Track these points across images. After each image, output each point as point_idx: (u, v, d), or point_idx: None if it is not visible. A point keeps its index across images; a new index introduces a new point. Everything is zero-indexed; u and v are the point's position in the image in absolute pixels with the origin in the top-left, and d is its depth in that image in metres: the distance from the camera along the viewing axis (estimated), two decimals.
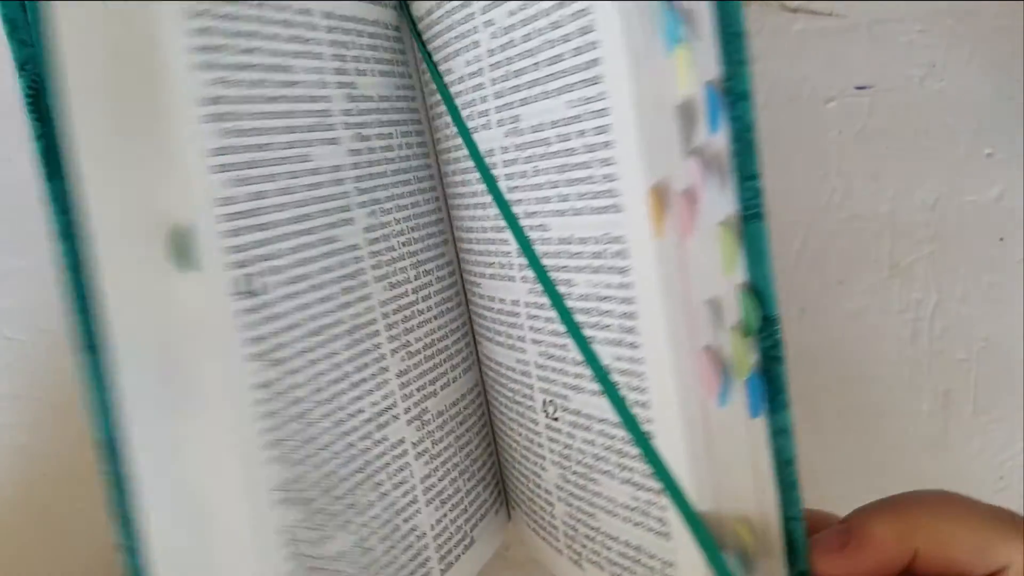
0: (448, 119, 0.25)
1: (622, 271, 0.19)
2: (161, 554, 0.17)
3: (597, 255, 0.20)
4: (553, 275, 0.21)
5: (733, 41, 0.16)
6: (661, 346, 0.19)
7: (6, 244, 0.35)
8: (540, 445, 0.24)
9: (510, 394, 0.26)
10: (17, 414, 0.30)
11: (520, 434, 0.26)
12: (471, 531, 0.26)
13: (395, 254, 0.24)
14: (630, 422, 0.20)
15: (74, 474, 0.30)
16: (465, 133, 0.24)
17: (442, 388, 0.26)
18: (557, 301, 0.21)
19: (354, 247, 0.23)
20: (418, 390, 0.25)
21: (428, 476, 0.25)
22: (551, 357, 0.23)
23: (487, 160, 0.23)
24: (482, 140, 0.23)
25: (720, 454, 0.18)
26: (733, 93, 0.16)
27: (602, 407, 0.21)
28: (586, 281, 0.20)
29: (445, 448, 0.26)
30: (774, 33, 0.38)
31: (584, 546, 0.23)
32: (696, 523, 0.18)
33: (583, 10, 0.19)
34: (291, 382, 0.20)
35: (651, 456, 0.19)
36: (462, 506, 0.26)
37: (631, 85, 0.18)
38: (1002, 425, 0.35)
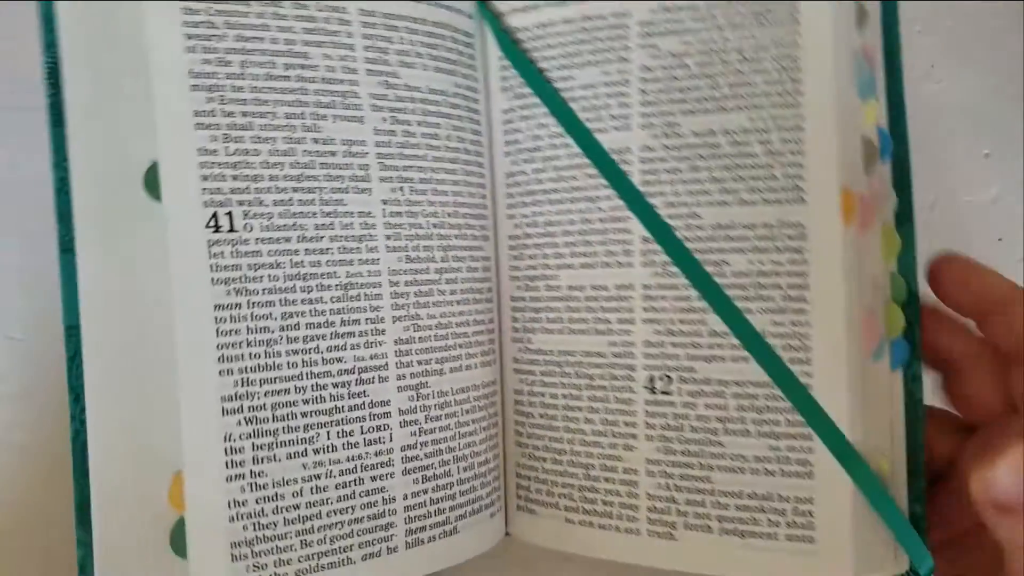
0: (542, 121, 0.28)
1: (797, 250, 0.24)
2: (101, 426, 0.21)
3: (765, 237, 0.25)
4: (701, 256, 0.25)
5: (898, 104, 0.26)
6: (834, 312, 0.24)
7: (7, 244, 0.35)
8: (631, 424, 0.27)
9: (581, 381, 0.27)
10: (17, 414, 0.29)
11: (586, 420, 0.27)
12: (455, 519, 0.26)
13: (420, 231, 0.26)
14: (787, 377, 0.24)
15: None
16: (585, 134, 0.27)
17: (452, 370, 0.26)
18: (703, 278, 0.25)
19: (366, 213, 0.25)
20: (420, 363, 0.26)
21: (412, 447, 0.25)
22: (672, 333, 0.26)
23: (616, 157, 0.26)
24: (614, 141, 0.27)
25: (869, 399, 0.24)
26: (896, 135, 0.26)
27: (743, 371, 0.25)
28: (746, 260, 0.25)
29: (442, 428, 0.26)
30: None
31: (684, 514, 0.26)
32: (852, 457, 0.24)
33: (788, 57, 0.25)
34: (258, 312, 0.23)
35: (809, 404, 0.24)
36: (449, 491, 0.26)
37: (835, 115, 0.24)
38: None
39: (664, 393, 0.26)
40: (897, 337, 0.25)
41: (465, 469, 0.27)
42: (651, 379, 0.27)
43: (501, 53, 0.28)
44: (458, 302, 0.27)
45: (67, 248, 0.22)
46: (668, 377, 0.26)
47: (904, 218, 0.26)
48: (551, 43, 0.28)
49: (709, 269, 0.26)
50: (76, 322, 0.22)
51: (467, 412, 0.27)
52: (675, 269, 0.26)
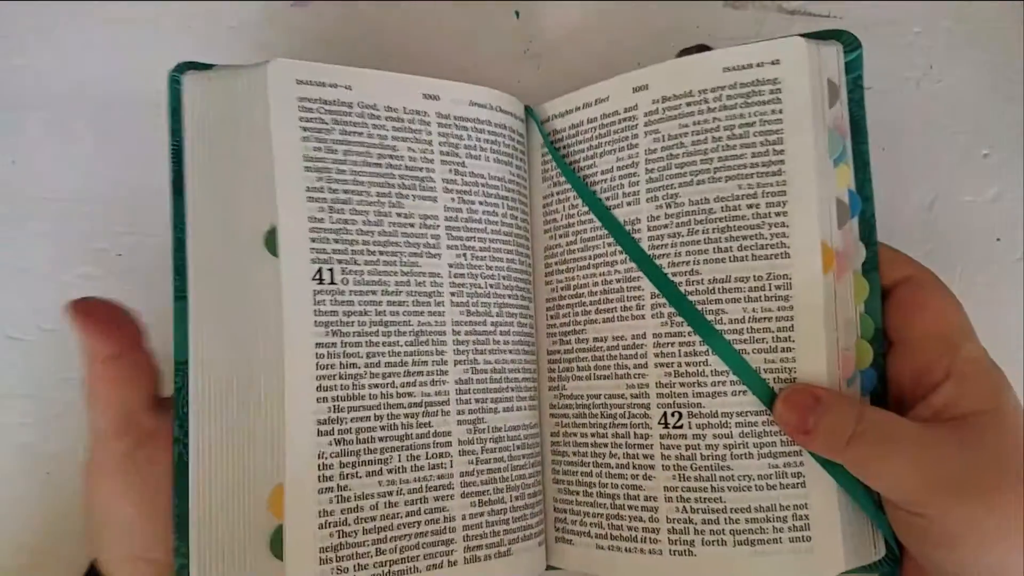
0: (574, 203, 0.33)
1: (784, 298, 0.29)
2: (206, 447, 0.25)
3: (757, 288, 0.29)
4: (702, 307, 0.30)
5: (864, 168, 0.30)
6: (816, 349, 0.28)
7: (10, 246, 0.36)
8: (648, 456, 0.30)
9: (606, 420, 0.31)
10: (19, 414, 0.30)
11: (611, 455, 0.31)
12: (509, 543, 0.30)
13: (479, 290, 0.31)
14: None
15: (76, 474, 0.29)
16: (604, 211, 0.32)
17: (504, 410, 0.31)
18: (704, 326, 0.29)
19: (435, 274, 0.30)
20: (477, 401, 0.30)
21: (469, 473, 0.29)
22: (680, 375, 0.30)
23: (629, 228, 0.31)
24: (627, 213, 0.32)
25: None
26: (863, 195, 0.30)
27: (743, 403, 0.29)
28: (740, 308, 0.29)
29: (496, 460, 0.30)
30: (772, 35, 0.37)
31: (700, 532, 0.29)
32: (834, 464, 0.27)
33: (772, 132, 0.29)
34: (349, 351, 0.28)
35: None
36: (503, 516, 0.30)
37: (814, 181, 0.29)
38: None
39: (676, 427, 0.30)
40: (867, 367, 0.30)
41: (517, 498, 0.30)
42: (664, 415, 0.30)
43: (544, 148, 0.34)
44: (509, 351, 0.31)
45: (180, 296, 0.27)
46: (679, 413, 0.30)
47: (870, 266, 0.30)
48: (580, 139, 0.34)
49: (709, 317, 0.30)
50: (185, 358, 0.27)
51: (517, 448, 0.31)
52: (680, 319, 0.30)
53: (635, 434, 0.31)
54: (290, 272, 0.27)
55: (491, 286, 0.31)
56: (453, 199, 0.31)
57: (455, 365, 0.30)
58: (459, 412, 0.30)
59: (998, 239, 0.37)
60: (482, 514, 0.29)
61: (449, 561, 0.28)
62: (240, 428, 0.26)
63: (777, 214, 0.29)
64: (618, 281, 0.32)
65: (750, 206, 0.29)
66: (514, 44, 0.38)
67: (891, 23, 0.39)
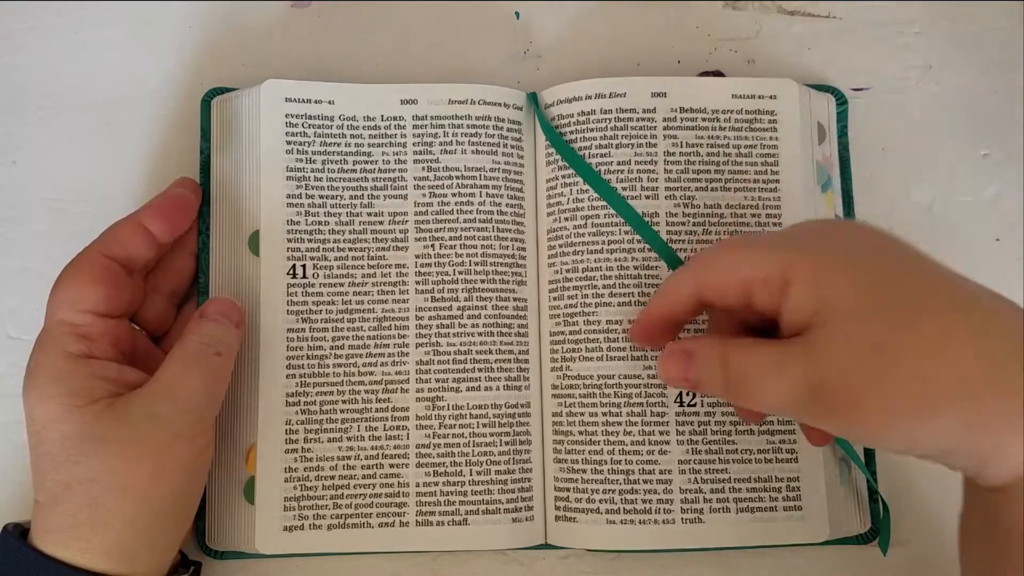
0: (583, 188, 0.34)
1: None
2: None
3: None
4: None
5: (848, 196, 0.36)
6: None
7: (10, 245, 0.35)
8: (664, 432, 0.33)
9: (620, 400, 0.33)
10: (20, 412, 0.28)
11: (625, 432, 0.33)
12: (465, 513, 0.32)
13: (446, 278, 0.33)
14: None
15: None
16: (620, 200, 0.34)
17: (468, 389, 0.33)
18: None
19: (401, 265, 0.33)
20: (437, 380, 0.33)
21: (425, 446, 0.32)
22: None
23: (648, 219, 0.34)
24: (645, 206, 0.34)
25: None
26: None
27: None
28: None
29: (455, 435, 0.32)
30: (772, 35, 0.39)
31: (708, 500, 0.32)
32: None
33: (770, 155, 0.35)
34: (316, 335, 0.33)
35: None
36: (460, 488, 0.32)
37: (803, 201, 0.34)
38: None
39: (690, 405, 0.33)
40: None
41: (478, 472, 0.32)
42: (680, 395, 0.33)
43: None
44: (479, 333, 0.33)
45: (204, 291, 0.34)
46: (693, 393, 0.33)
47: None
48: (591, 127, 0.35)
49: None
50: None
51: (483, 425, 0.33)
52: None
53: (652, 412, 0.33)
54: (268, 270, 0.33)
55: (460, 273, 0.33)
56: (424, 195, 0.34)
57: (416, 347, 0.33)
58: (418, 390, 0.33)
59: (997, 239, 0.37)
60: (436, 484, 0.32)
61: (401, 521, 0.32)
62: (229, 397, 0.33)
63: (774, 224, 0.34)
64: (635, 268, 0.33)
65: (754, 215, 0.34)
66: (514, 44, 0.38)
67: (891, 23, 0.39)
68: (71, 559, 0.27)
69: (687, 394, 0.33)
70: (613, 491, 0.32)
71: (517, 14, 0.38)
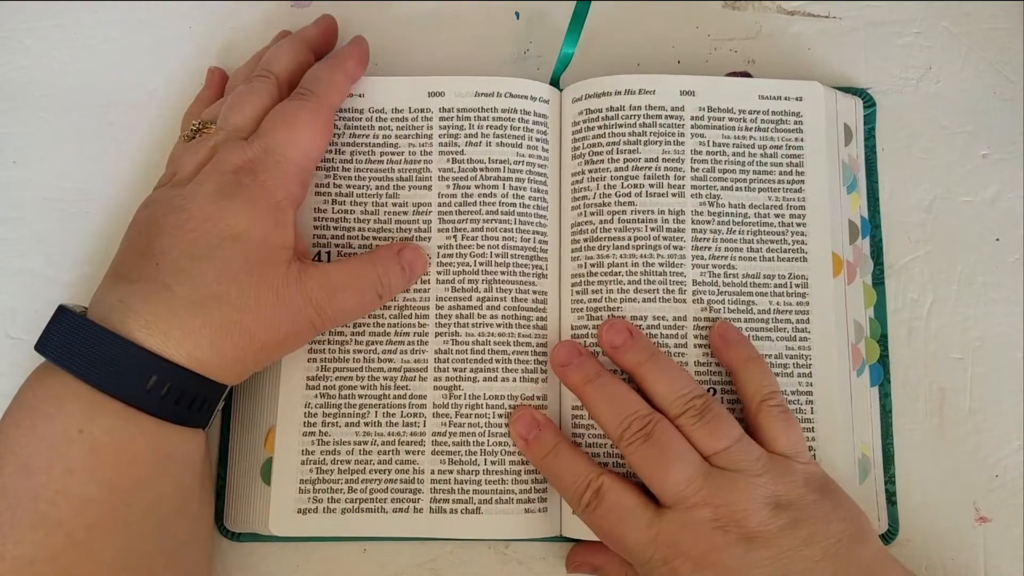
0: (611, 183, 0.35)
1: (802, 295, 0.34)
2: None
3: (780, 285, 0.34)
4: (734, 298, 0.34)
5: (874, 196, 0.37)
6: (828, 339, 0.34)
7: (11, 246, 0.35)
8: None
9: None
10: None
11: None
12: (479, 502, 0.32)
13: (467, 268, 0.34)
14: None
15: None
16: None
17: (484, 379, 0.33)
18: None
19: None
20: (454, 370, 0.33)
21: (441, 434, 0.32)
22: (710, 353, 0.34)
23: (672, 217, 0.34)
24: (672, 203, 0.35)
25: (855, 402, 0.34)
26: (873, 222, 0.37)
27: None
28: (767, 301, 0.34)
29: (471, 424, 0.32)
30: (772, 35, 0.39)
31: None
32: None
33: (795, 156, 0.35)
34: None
35: None
36: (474, 476, 0.32)
37: (828, 204, 0.35)
38: (998, 423, 0.36)
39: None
40: (874, 363, 0.35)
41: (492, 462, 0.32)
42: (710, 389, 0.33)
43: (574, 127, 0.36)
44: (498, 324, 0.33)
45: None
46: (713, 389, 0.33)
47: (878, 279, 0.36)
48: (621, 123, 0.35)
49: (741, 307, 0.34)
50: None
51: (499, 416, 0.33)
52: (718, 306, 0.34)
53: None
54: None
55: (481, 264, 0.34)
56: (448, 186, 0.34)
57: (435, 336, 0.33)
58: (436, 379, 0.33)
59: (997, 239, 0.37)
60: (451, 471, 0.32)
61: (415, 508, 0.32)
62: (252, 380, 0.33)
63: (798, 224, 0.35)
64: (661, 265, 0.34)
65: (777, 215, 0.35)
66: (514, 44, 0.38)
67: (891, 23, 0.39)
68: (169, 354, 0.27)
69: (709, 390, 0.33)
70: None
71: (517, 14, 0.39)
